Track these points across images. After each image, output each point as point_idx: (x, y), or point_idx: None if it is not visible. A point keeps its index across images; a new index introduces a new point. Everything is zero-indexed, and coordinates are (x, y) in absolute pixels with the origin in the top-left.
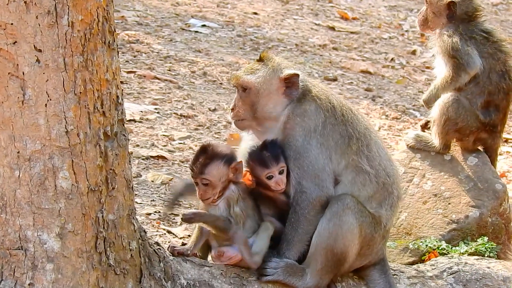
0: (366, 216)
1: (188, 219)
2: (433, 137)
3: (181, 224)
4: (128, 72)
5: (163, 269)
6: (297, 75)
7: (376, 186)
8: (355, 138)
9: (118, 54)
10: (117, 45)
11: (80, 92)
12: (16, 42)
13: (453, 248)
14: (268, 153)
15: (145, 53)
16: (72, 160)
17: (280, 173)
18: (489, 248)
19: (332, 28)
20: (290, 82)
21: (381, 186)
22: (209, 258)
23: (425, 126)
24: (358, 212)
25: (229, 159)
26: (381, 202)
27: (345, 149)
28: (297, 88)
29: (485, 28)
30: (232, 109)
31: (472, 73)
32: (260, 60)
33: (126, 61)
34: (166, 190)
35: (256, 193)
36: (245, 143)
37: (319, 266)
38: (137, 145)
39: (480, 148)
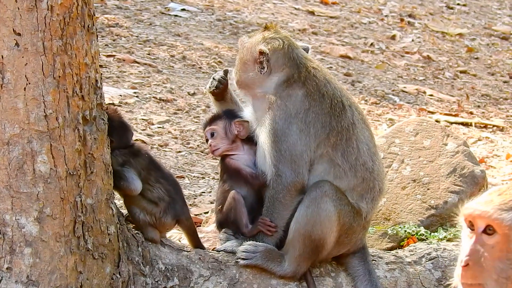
0: (345, 204)
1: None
2: None
3: None
4: (108, 56)
5: (141, 254)
6: (265, 54)
7: (355, 180)
8: (336, 131)
9: (97, 38)
10: (96, 29)
11: (59, 76)
12: None
13: (432, 234)
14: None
15: (124, 37)
16: (51, 144)
17: (211, 135)
18: None
19: (312, 13)
20: (264, 58)
21: (360, 180)
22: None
23: None
24: (337, 200)
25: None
26: (362, 195)
27: (323, 140)
28: (263, 67)
29: None
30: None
31: None
32: (266, 28)
33: (106, 45)
34: None
35: (225, 164)
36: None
37: (297, 253)
38: None
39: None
